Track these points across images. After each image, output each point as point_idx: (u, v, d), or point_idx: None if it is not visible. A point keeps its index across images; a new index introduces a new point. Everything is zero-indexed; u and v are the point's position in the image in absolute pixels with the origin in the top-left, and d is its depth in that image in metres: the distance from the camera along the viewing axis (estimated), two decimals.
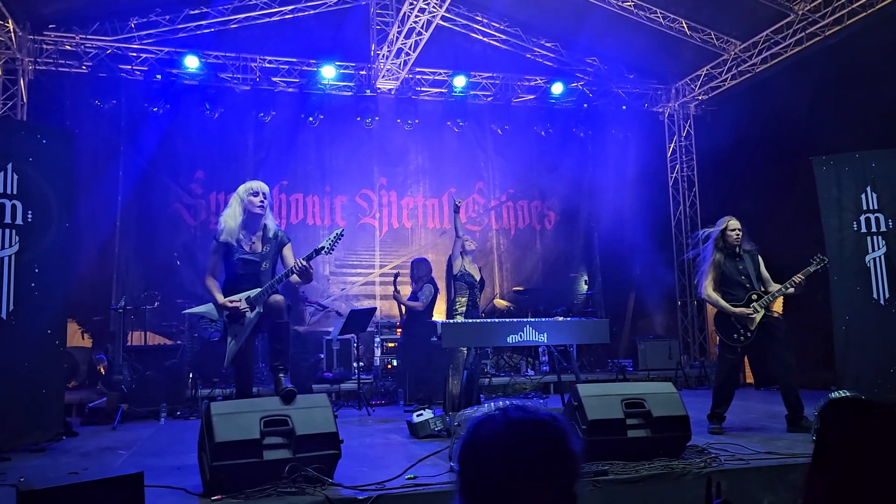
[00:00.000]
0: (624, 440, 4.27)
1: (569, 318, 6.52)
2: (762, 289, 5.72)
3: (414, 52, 9.04)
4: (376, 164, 10.72)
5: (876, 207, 6.57)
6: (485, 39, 10.89)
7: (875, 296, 6.49)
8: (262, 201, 4.64)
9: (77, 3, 9.05)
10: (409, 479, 3.86)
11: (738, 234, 5.73)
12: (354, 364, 8.33)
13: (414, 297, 7.72)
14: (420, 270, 7.80)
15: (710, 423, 5.59)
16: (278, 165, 10.03)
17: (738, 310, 5.61)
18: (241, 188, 4.71)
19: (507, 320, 6.29)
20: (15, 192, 5.40)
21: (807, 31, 8.98)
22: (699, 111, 11.54)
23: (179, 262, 9.48)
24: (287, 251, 4.72)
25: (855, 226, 6.63)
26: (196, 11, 9.49)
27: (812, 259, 5.70)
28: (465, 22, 10.64)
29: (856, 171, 6.70)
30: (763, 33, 9.50)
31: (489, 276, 10.35)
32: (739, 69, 10.15)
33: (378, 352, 8.80)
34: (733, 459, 4.26)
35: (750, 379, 8.99)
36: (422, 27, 8.59)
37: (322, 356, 8.81)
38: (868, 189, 6.62)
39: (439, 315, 7.88)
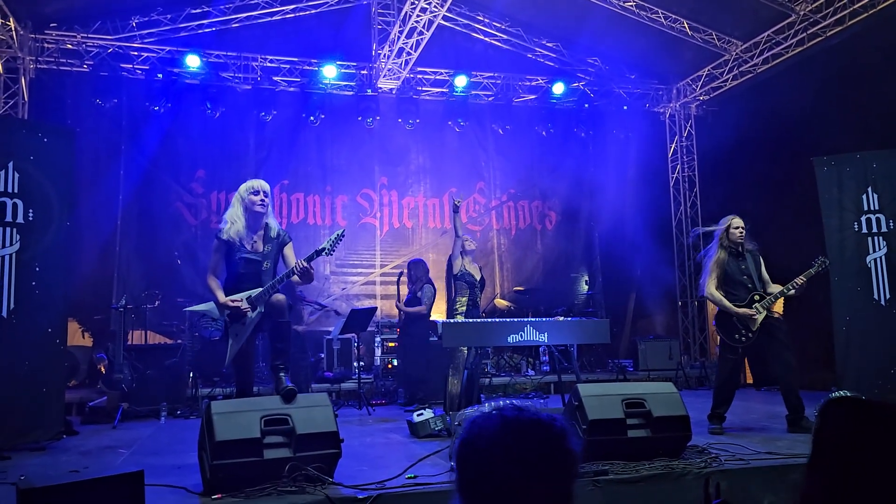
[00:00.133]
0: (624, 440, 4.27)
1: (569, 318, 6.52)
2: (762, 289, 5.72)
3: (415, 51, 9.04)
4: (377, 163, 10.72)
5: (877, 208, 6.56)
6: (486, 39, 10.88)
7: (876, 296, 6.49)
8: (262, 200, 4.63)
9: (78, 1, 9.05)
10: (409, 478, 3.87)
11: (741, 233, 5.73)
12: (355, 364, 8.34)
13: (413, 296, 7.72)
14: (418, 271, 7.81)
15: (710, 423, 5.59)
16: (279, 165, 10.03)
17: (741, 310, 5.60)
18: (242, 187, 4.70)
19: (508, 320, 6.29)
20: (16, 190, 5.40)
21: (808, 32, 8.98)
22: (700, 111, 11.53)
23: (180, 261, 9.48)
24: (288, 250, 4.72)
25: (856, 226, 6.63)
26: (197, 11, 9.49)
27: (813, 261, 5.70)
28: (466, 22, 10.64)
29: (857, 172, 6.70)
30: (764, 34, 9.50)
31: (490, 276, 10.35)
32: (741, 69, 10.15)
33: (378, 351, 8.81)
34: (734, 459, 4.26)
35: (750, 379, 8.99)
36: (423, 27, 8.59)
37: (322, 355, 8.83)
38: (869, 190, 6.61)
39: (440, 315, 7.88)
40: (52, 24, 9.10)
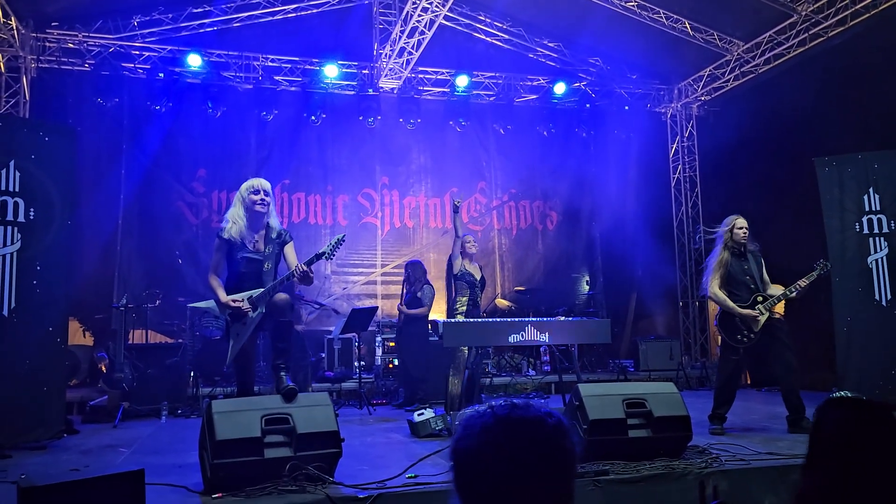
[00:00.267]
0: (625, 440, 4.27)
1: (570, 318, 6.52)
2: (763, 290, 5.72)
3: (416, 51, 9.04)
4: (378, 163, 10.72)
5: (878, 209, 6.56)
6: (487, 39, 10.88)
7: (877, 297, 6.48)
8: (262, 199, 4.61)
9: (80, 1, 9.06)
10: (409, 477, 3.87)
11: (745, 233, 5.73)
12: (356, 363, 8.34)
13: (413, 297, 7.71)
14: (416, 272, 7.80)
15: (711, 423, 5.58)
16: (280, 164, 10.03)
17: (744, 311, 5.59)
18: (243, 186, 4.69)
19: (509, 320, 6.29)
20: (17, 189, 5.40)
21: (810, 32, 8.97)
22: (702, 112, 11.52)
23: (181, 260, 9.48)
24: (289, 249, 4.71)
25: (857, 227, 6.62)
26: (199, 10, 9.50)
27: (815, 264, 5.70)
28: (467, 21, 10.63)
29: (858, 173, 6.69)
30: (766, 34, 9.49)
31: (491, 275, 10.36)
32: (742, 70, 10.14)
33: (379, 351, 8.81)
34: (734, 460, 4.26)
35: (748, 380, 8.98)
36: (424, 26, 8.59)
37: (323, 355, 8.83)
38: (870, 190, 6.60)
39: (440, 315, 7.88)
40: (53, 24, 9.11)
